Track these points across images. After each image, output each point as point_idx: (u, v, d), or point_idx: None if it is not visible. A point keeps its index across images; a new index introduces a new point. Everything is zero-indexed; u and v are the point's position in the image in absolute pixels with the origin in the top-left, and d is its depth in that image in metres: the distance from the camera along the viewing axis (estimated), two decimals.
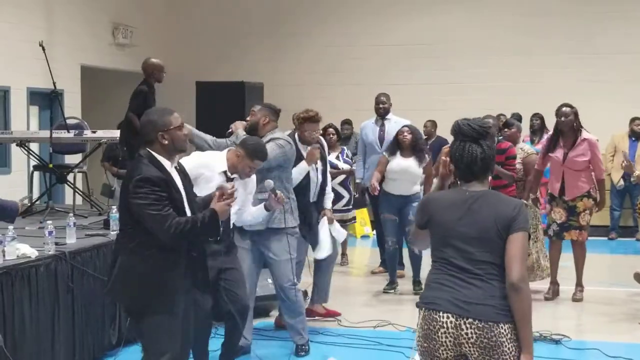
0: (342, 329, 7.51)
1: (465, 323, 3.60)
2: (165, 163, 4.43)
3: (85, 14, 13.58)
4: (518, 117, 11.86)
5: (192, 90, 12.46)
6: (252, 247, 6.51)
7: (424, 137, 10.87)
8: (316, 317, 7.74)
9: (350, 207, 9.70)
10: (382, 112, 9.70)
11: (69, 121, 9.20)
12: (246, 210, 6.02)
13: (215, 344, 5.98)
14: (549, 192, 8.70)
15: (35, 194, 9.70)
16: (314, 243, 7.37)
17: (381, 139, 9.61)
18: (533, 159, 8.59)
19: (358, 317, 7.84)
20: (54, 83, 8.63)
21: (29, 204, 8.65)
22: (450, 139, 3.93)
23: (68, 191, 10.77)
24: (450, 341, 3.62)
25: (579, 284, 8.67)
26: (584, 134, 8.40)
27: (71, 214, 6.75)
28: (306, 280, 7.91)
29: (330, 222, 7.42)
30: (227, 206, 4.54)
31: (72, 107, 12.37)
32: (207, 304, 5.56)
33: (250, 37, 15.61)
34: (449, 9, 15.00)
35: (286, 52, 15.60)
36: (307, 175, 7.08)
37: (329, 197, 7.47)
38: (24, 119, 11.94)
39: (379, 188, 8.68)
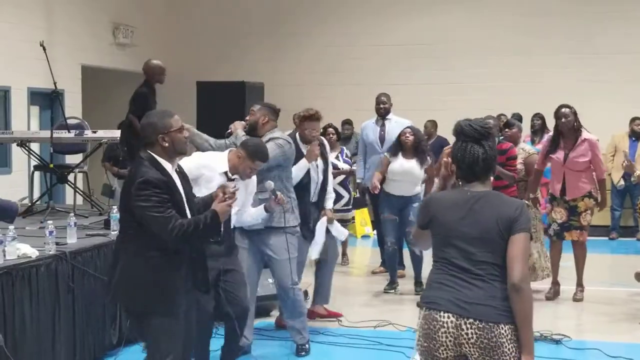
0: (343, 329, 7.52)
1: (465, 323, 3.60)
2: (167, 165, 4.43)
3: (85, 14, 13.59)
4: (518, 117, 11.87)
5: (192, 90, 12.45)
6: (253, 246, 6.51)
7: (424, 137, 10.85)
8: (317, 319, 7.73)
9: (350, 207, 9.71)
10: (382, 112, 9.70)
11: (69, 121, 9.19)
12: (246, 211, 6.02)
13: (215, 344, 5.97)
14: (549, 193, 8.71)
15: (36, 194, 9.70)
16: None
17: (382, 139, 9.61)
18: (534, 159, 8.59)
19: (358, 317, 7.85)
20: (54, 83, 8.63)
21: (30, 204, 8.65)
22: (450, 138, 3.93)
23: (69, 191, 10.78)
24: (450, 341, 3.62)
25: (580, 284, 8.67)
26: (585, 134, 8.39)
27: (72, 214, 6.75)
28: (306, 280, 7.91)
29: (330, 222, 7.42)
30: (228, 207, 4.55)
31: (73, 107, 12.37)
32: (208, 305, 5.57)
33: (251, 37, 15.62)
34: (449, 9, 15.01)
35: (286, 52, 15.61)
36: (308, 175, 7.08)
37: (331, 197, 7.47)
38: (24, 119, 11.94)
39: (379, 187, 8.68)
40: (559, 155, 8.39)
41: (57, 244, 6.01)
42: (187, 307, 4.58)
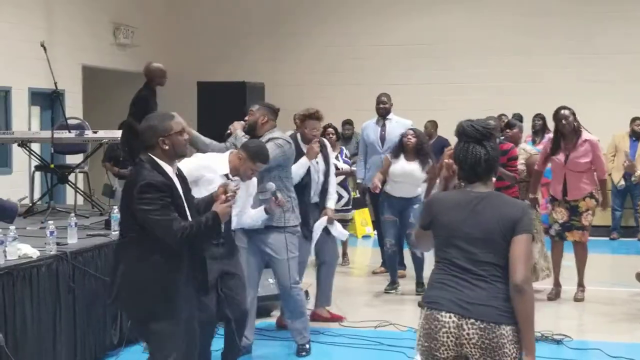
0: (343, 329, 7.51)
1: (467, 323, 3.60)
2: (167, 168, 4.42)
3: (85, 14, 13.59)
4: (519, 118, 11.86)
5: (193, 91, 12.50)
6: (253, 246, 6.51)
7: None
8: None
9: (350, 207, 9.71)
10: (383, 112, 9.69)
11: (70, 121, 9.20)
12: (246, 212, 6.03)
13: (216, 344, 5.97)
14: (550, 194, 8.70)
15: (37, 194, 9.70)
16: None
17: (382, 139, 9.61)
18: (536, 159, 8.58)
19: (359, 317, 7.85)
20: (55, 83, 8.63)
21: (31, 204, 8.66)
22: (451, 139, 3.94)
23: (69, 191, 10.79)
24: (451, 341, 3.62)
25: (581, 284, 8.66)
26: (585, 135, 8.39)
27: (72, 214, 6.75)
28: (307, 281, 7.91)
29: (331, 222, 7.41)
30: (229, 208, 4.54)
31: (73, 107, 12.37)
32: (211, 306, 5.58)
33: (251, 37, 15.61)
34: (449, 9, 15.01)
35: (287, 52, 15.60)
36: (308, 175, 7.08)
37: (333, 197, 7.46)
38: (25, 119, 11.94)
39: (380, 186, 8.68)
40: (560, 156, 8.38)
41: (57, 244, 6.01)
42: (190, 310, 4.57)
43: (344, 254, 10.77)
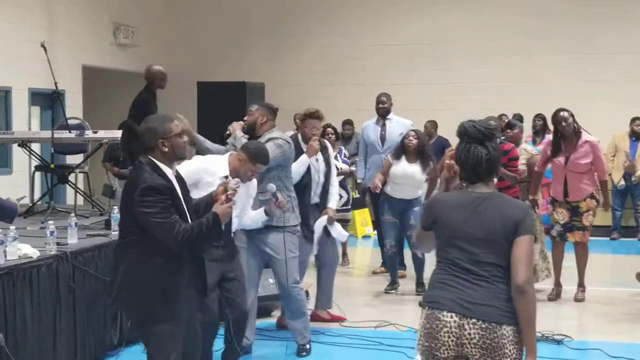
0: (344, 329, 7.51)
1: (468, 323, 3.60)
2: (167, 170, 4.42)
3: (86, 14, 13.59)
4: (519, 118, 11.86)
5: (193, 91, 12.49)
6: (253, 246, 6.51)
7: None
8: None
9: (349, 207, 9.70)
10: (382, 111, 9.70)
11: (70, 121, 9.20)
12: (246, 214, 6.02)
13: (216, 344, 5.97)
14: (550, 196, 8.69)
15: (37, 194, 9.71)
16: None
17: (382, 138, 9.61)
18: (537, 159, 8.58)
19: (359, 317, 7.85)
20: (55, 83, 8.63)
21: (31, 204, 8.66)
22: (451, 138, 3.94)
23: (69, 191, 10.79)
24: (452, 341, 3.62)
25: (581, 285, 8.66)
26: (585, 136, 8.38)
27: (72, 214, 6.76)
28: (307, 281, 7.91)
29: (331, 221, 7.39)
30: (229, 209, 4.54)
31: (74, 108, 12.37)
32: (213, 306, 5.58)
33: (251, 37, 15.61)
34: (449, 9, 15.01)
35: (287, 52, 15.61)
36: (309, 175, 7.07)
37: (334, 197, 7.44)
38: (25, 119, 11.94)
39: (380, 186, 8.68)
40: (560, 158, 8.37)
41: (58, 244, 6.01)
42: (190, 311, 4.57)
43: (344, 254, 10.77)
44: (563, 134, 8.36)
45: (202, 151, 6.57)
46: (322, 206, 7.32)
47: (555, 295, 8.61)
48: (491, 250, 3.65)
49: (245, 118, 6.81)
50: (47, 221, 6.58)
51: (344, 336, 7.25)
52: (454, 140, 3.88)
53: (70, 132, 8.76)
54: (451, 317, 3.62)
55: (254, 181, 5.95)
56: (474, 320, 3.59)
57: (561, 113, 8.37)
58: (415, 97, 14.26)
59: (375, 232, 10.85)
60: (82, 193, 9.25)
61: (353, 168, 10.08)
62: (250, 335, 6.50)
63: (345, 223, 9.14)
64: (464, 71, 14.84)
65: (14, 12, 11.76)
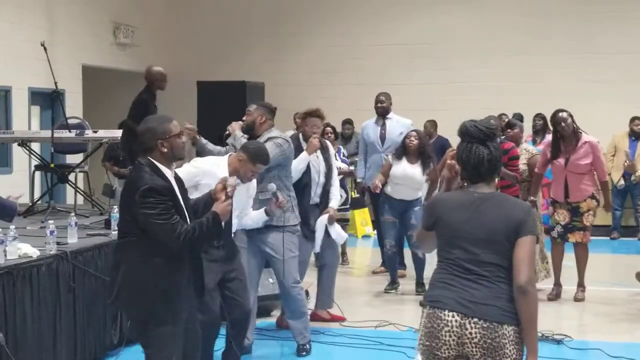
0: (344, 329, 7.51)
1: (470, 322, 3.60)
2: (166, 171, 4.42)
3: (86, 13, 13.59)
4: (520, 118, 11.86)
5: (193, 90, 12.48)
6: (253, 246, 6.51)
7: None
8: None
9: (348, 206, 9.70)
10: (380, 111, 9.70)
11: (70, 121, 9.20)
12: (247, 214, 6.02)
13: (217, 344, 5.97)
14: (550, 197, 8.68)
15: (37, 193, 9.71)
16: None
17: (382, 138, 9.62)
18: (538, 159, 8.58)
19: (359, 317, 7.84)
20: (55, 83, 8.63)
21: (31, 204, 8.65)
22: (451, 138, 3.95)
23: (69, 191, 10.78)
24: (453, 340, 3.62)
25: (581, 284, 8.66)
26: (585, 137, 8.38)
27: (72, 214, 6.76)
28: (308, 280, 7.91)
29: (331, 221, 7.38)
30: (228, 207, 4.54)
31: (74, 107, 12.37)
32: (214, 306, 5.58)
33: (251, 36, 15.62)
34: (450, 9, 15.02)
35: (287, 52, 15.61)
36: (309, 175, 7.07)
37: (335, 198, 7.43)
38: (25, 119, 11.94)
39: (380, 187, 8.68)
40: (560, 159, 8.37)
41: (58, 243, 6.01)
42: (190, 311, 4.57)
43: (343, 254, 10.76)
44: (562, 134, 8.36)
45: (204, 154, 6.57)
46: (322, 206, 7.31)
47: (555, 295, 8.61)
48: (493, 251, 3.65)
49: (244, 118, 6.81)
50: (47, 221, 6.59)
51: (344, 336, 7.25)
52: (454, 140, 3.89)
53: (70, 131, 8.77)
54: (452, 316, 3.62)
55: (254, 181, 5.95)
56: (475, 319, 3.59)
57: (560, 114, 8.36)
58: (415, 97, 14.27)
59: (375, 231, 10.85)
60: (82, 193, 9.25)
61: (352, 168, 10.08)
62: (250, 335, 6.50)
63: (344, 223, 9.14)
64: (464, 71, 14.85)
65: (14, 12, 11.76)
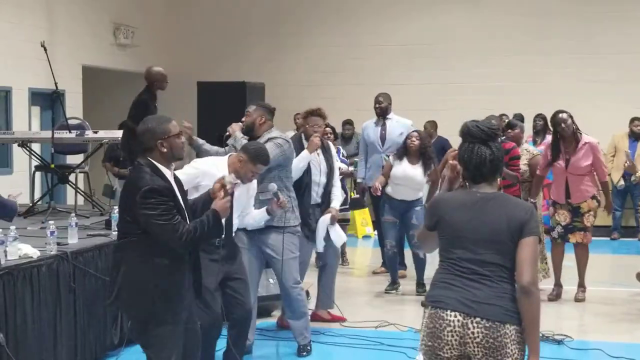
0: (344, 329, 7.51)
1: (472, 322, 3.60)
2: (166, 172, 4.42)
3: (86, 14, 13.59)
4: (520, 118, 11.86)
5: (193, 91, 12.49)
6: (253, 246, 6.50)
7: None
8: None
9: (347, 206, 9.71)
10: (379, 111, 9.72)
11: (70, 121, 9.20)
12: (248, 213, 6.02)
13: (219, 343, 5.97)
14: (552, 198, 8.68)
15: (37, 194, 9.71)
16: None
17: (382, 138, 9.62)
18: (539, 160, 8.57)
19: (360, 317, 7.84)
20: (55, 83, 8.63)
21: (31, 204, 8.65)
22: (451, 138, 3.95)
23: (70, 191, 10.79)
24: (455, 340, 3.62)
25: (581, 285, 8.66)
26: (585, 138, 8.37)
27: (73, 214, 6.75)
28: (308, 281, 7.91)
29: (333, 221, 7.36)
30: (227, 203, 4.54)
31: (74, 108, 12.37)
32: (216, 306, 5.58)
33: (251, 37, 15.62)
34: (450, 9, 15.02)
35: (287, 52, 15.61)
36: (309, 175, 7.06)
37: (337, 198, 7.42)
38: (25, 120, 11.94)
39: (380, 189, 8.68)
40: (561, 161, 8.36)
41: (58, 244, 6.01)
42: (190, 311, 4.57)
43: (343, 254, 10.75)
44: (562, 135, 8.35)
45: (201, 154, 6.57)
46: (324, 206, 7.30)
47: (556, 295, 8.60)
48: (495, 251, 3.65)
49: (243, 119, 6.80)
50: (47, 221, 6.58)
51: (345, 336, 7.25)
52: (454, 141, 3.89)
53: (70, 132, 8.77)
54: (455, 316, 3.62)
55: (254, 181, 5.95)
56: (477, 319, 3.59)
57: (560, 115, 8.36)
58: (415, 97, 14.27)
59: (376, 232, 10.85)
60: (82, 193, 9.25)
61: (351, 168, 10.08)
62: (251, 335, 6.49)
63: (344, 223, 9.14)
64: (464, 71, 14.86)
65: (14, 12, 11.76)
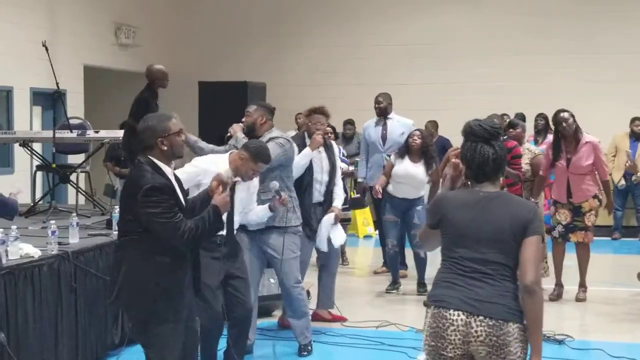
0: (345, 329, 7.51)
1: (475, 321, 3.60)
2: (167, 170, 4.42)
3: (88, 13, 13.60)
4: (522, 117, 11.86)
5: (194, 90, 12.49)
6: (254, 246, 6.50)
7: None
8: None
9: (346, 206, 9.70)
10: (378, 111, 9.74)
11: (71, 121, 9.21)
12: (251, 209, 6.02)
13: (220, 343, 5.97)
14: (553, 198, 8.68)
15: (38, 194, 9.72)
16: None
17: (383, 138, 9.63)
18: (540, 159, 8.58)
19: (361, 317, 7.84)
20: (56, 83, 8.63)
21: (32, 204, 8.66)
22: (452, 138, 3.95)
23: (71, 191, 10.80)
24: (459, 339, 3.62)
25: (583, 285, 8.66)
26: (586, 137, 8.38)
27: (74, 214, 6.75)
28: (309, 280, 7.91)
29: (336, 221, 7.35)
30: (227, 197, 4.54)
31: (75, 107, 12.38)
32: (217, 305, 5.58)
33: (253, 36, 15.62)
34: (450, 10, 15.03)
35: (288, 52, 15.61)
36: (311, 174, 7.07)
37: (340, 197, 7.43)
38: (27, 119, 11.95)
39: (381, 192, 8.69)
40: (562, 160, 8.36)
41: (59, 243, 6.02)
42: (190, 309, 4.57)
43: (342, 254, 10.76)
44: (564, 134, 8.35)
45: (195, 151, 6.57)
46: (326, 205, 7.30)
47: (557, 295, 8.60)
48: (498, 250, 3.66)
49: (243, 119, 6.81)
50: (48, 221, 6.60)
51: (346, 336, 7.24)
52: (455, 140, 3.90)
53: (71, 131, 8.78)
54: (458, 315, 3.62)
55: (255, 179, 5.95)
56: (481, 317, 3.59)
57: (562, 114, 8.36)
58: (416, 97, 14.27)
59: (377, 231, 10.85)
60: (83, 193, 9.26)
61: (351, 168, 10.09)
62: (251, 334, 6.49)
63: (345, 223, 9.14)
64: (464, 71, 14.87)
65: (16, 12, 11.77)
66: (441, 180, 7.90)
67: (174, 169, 4.60)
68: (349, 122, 12.97)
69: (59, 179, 9.05)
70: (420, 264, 8.86)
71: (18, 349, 5.33)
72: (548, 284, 8.70)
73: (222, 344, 5.98)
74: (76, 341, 6.07)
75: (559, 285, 8.66)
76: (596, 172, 8.43)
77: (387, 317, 7.77)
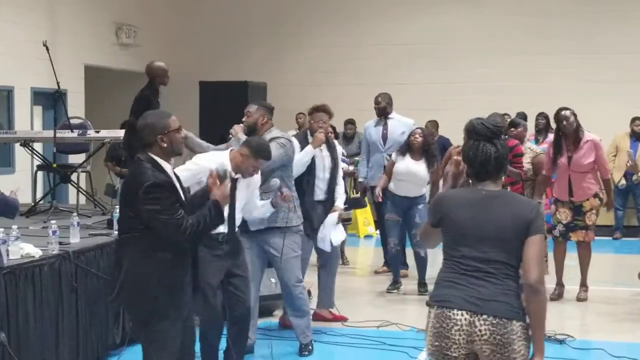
0: (346, 329, 7.51)
1: (479, 320, 3.60)
2: (167, 167, 4.43)
3: (88, 13, 13.61)
4: (523, 117, 11.84)
5: (195, 90, 12.46)
6: (255, 246, 6.50)
7: None
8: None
9: (346, 206, 9.70)
10: (378, 111, 9.74)
11: (72, 121, 9.20)
12: (253, 205, 6.02)
13: (221, 343, 5.98)
14: (554, 196, 8.68)
15: (39, 193, 9.72)
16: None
17: (384, 138, 9.63)
18: (542, 158, 8.58)
19: (362, 316, 7.84)
20: (57, 83, 8.63)
21: (33, 204, 8.66)
22: (453, 138, 3.96)
23: (72, 191, 10.79)
24: (463, 339, 3.62)
25: (584, 284, 8.66)
26: (587, 135, 8.38)
27: (75, 214, 6.76)
28: (309, 280, 7.91)
29: (338, 220, 7.35)
30: (226, 190, 4.53)
31: (76, 107, 12.38)
32: (218, 305, 5.58)
33: (253, 36, 15.63)
34: (450, 9, 15.04)
35: (289, 51, 15.62)
36: (312, 172, 7.07)
37: (341, 196, 7.43)
38: (27, 119, 11.95)
39: (381, 196, 8.71)
40: (563, 158, 8.37)
41: (60, 243, 6.02)
42: (189, 308, 4.57)
43: (342, 253, 10.75)
44: (565, 132, 8.36)
45: (195, 150, 6.57)
46: (328, 204, 7.29)
47: (558, 294, 8.60)
48: (500, 248, 3.66)
49: (244, 119, 6.81)
50: (49, 221, 6.59)
51: (346, 336, 7.24)
52: (455, 140, 3.90)
53: (72, 131, 8.78)
54: (461, 315, 3.62)
55: (255, 176, 5.94)
56: (484, 316, 3.59)
57: (563, 112, 8.37)
58: (416, 97, 14.28)
59: (378, 231, 10.85)
60: (84, 192, 9.25)
61: (351, 168, 10.09)
62: (252, 334, 6.50)
63: (346, 222, 9.14)
64: (464, 71, 14.87)
65: (16, 12, 11.77)
66: (442, 179, 7.91)
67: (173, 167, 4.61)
68: (350, 122, 12.98)
69: (59, 179, 9.05)
70: (421, 263, 8.85)
71: (19, 349, 5.33)
72: (548, 283, 8.70)
73: (222, 344, 5.99)
74: (77, 341, 6.07)
75: (559, 284, 8.66)
76: (598, 170, 8.43)
77: (388, 317, 7.77)
